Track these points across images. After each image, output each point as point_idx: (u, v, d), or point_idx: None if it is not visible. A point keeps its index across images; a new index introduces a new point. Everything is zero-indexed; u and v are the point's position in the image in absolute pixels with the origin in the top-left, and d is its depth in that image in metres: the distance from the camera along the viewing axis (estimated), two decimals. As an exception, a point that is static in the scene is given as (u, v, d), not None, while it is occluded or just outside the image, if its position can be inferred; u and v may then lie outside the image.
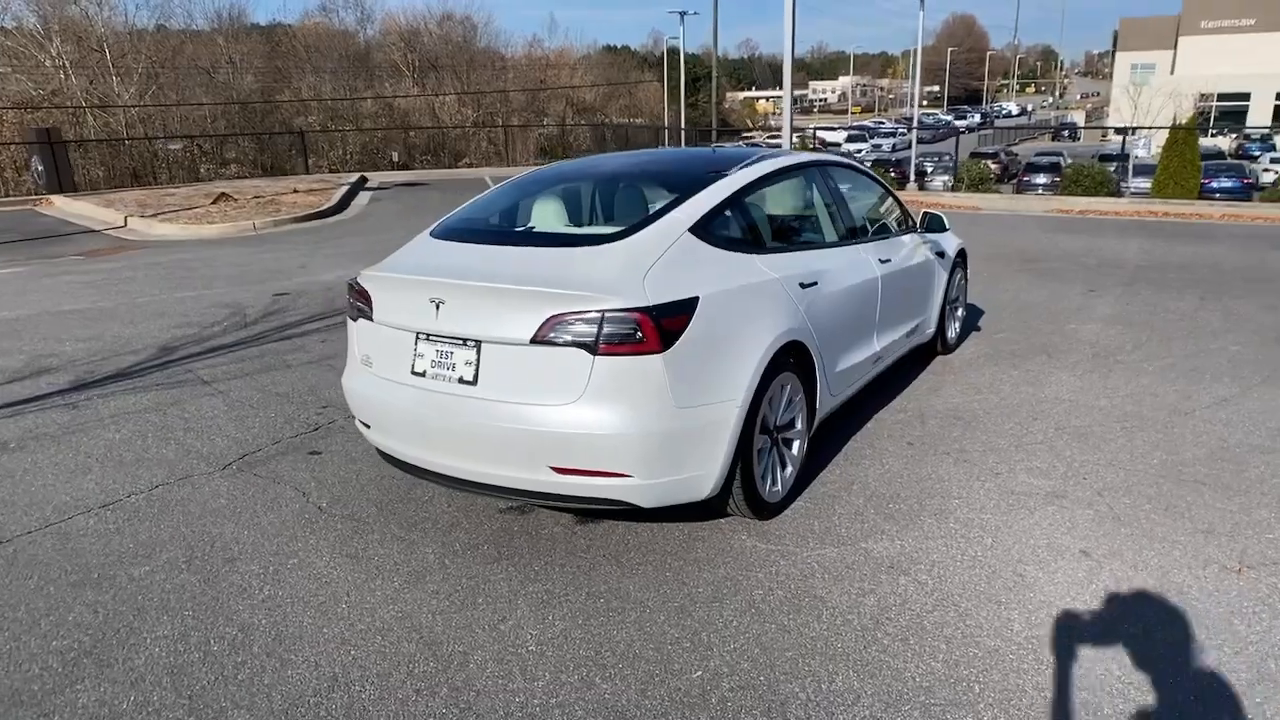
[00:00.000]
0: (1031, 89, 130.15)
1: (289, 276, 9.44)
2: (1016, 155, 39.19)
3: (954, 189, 19.28)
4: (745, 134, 52.64)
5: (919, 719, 2.31)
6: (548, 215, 3.82)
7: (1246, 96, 43.46)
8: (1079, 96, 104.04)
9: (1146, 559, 3.10)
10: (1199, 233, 12.16)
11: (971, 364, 5.64)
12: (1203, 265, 9.34)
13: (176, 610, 2.93)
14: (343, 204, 16.44)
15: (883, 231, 4.80)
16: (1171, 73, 51.23)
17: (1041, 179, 27.94)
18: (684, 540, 3.32)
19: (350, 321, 3.56)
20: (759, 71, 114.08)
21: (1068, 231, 12.50)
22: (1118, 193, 17.41)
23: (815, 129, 27.78)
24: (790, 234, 4.26)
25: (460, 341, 3.08)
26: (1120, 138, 50.21)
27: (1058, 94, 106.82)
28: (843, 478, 3.88)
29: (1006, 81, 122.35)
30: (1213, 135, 38.21)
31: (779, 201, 4.25)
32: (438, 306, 3.09)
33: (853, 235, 4.40)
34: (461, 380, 3.07)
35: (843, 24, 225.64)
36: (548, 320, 2.88)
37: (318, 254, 11.16)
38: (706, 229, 3.36)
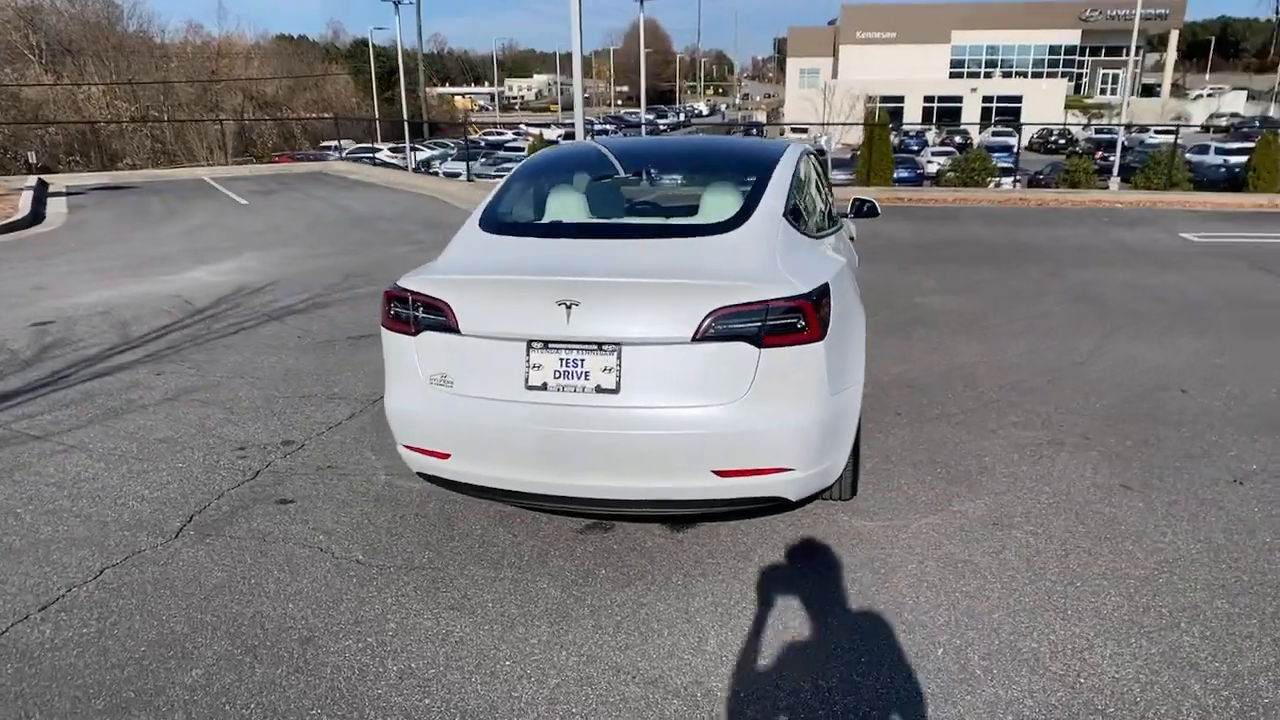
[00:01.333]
0: (711, 90, 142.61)
1: (32, 301, 7.70)
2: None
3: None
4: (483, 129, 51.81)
5: (1148, 644, 2.57)
6: (611, 205, 3.57)
7: (901, 99, 51.53)
8: (757, 97, 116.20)
9: (1174, 484, 3.70)
10: (934, 215, 14.27)
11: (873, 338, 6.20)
12: (968, 242, 11.02)
13: (302, 714, 2.35)
14: (36, 214, 13.65)
15: (838, 218, 5.10)
16: (835, 77, 59.15)
17: None
18: (797, 532, 3.32)
19: (402, 337, 3.05)
20: (452, 66, 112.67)
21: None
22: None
23: (525, 125, 28.28)
24: (814, 219, 4.38)
25: (595, 346, 2.79)
26: (804, 134, 57.24)
27: (740, 95, 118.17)
28: (869, 450, 4.10)
29: (693, 83, 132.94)
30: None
31: (804, 189, 4.36)
32: (569, 309, 2.77)
33: (832, 221, 4.64)
34: (600, 389, 2.79)
35: (534, 20, 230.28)
36: (710, 314, 2.73)
37: (49, 272, 9.20)
38: (792, 216, 3.38)
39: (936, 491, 3.66)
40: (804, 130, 60.67)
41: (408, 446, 3.13)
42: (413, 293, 2.99)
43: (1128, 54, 61.71)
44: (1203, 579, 2.94)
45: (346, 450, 4.23)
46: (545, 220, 3.51)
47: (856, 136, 34.57)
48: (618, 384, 2.77)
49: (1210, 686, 2.39)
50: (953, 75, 57.70)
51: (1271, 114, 49.86)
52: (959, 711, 2.31)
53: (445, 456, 3.01)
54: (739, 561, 3.11)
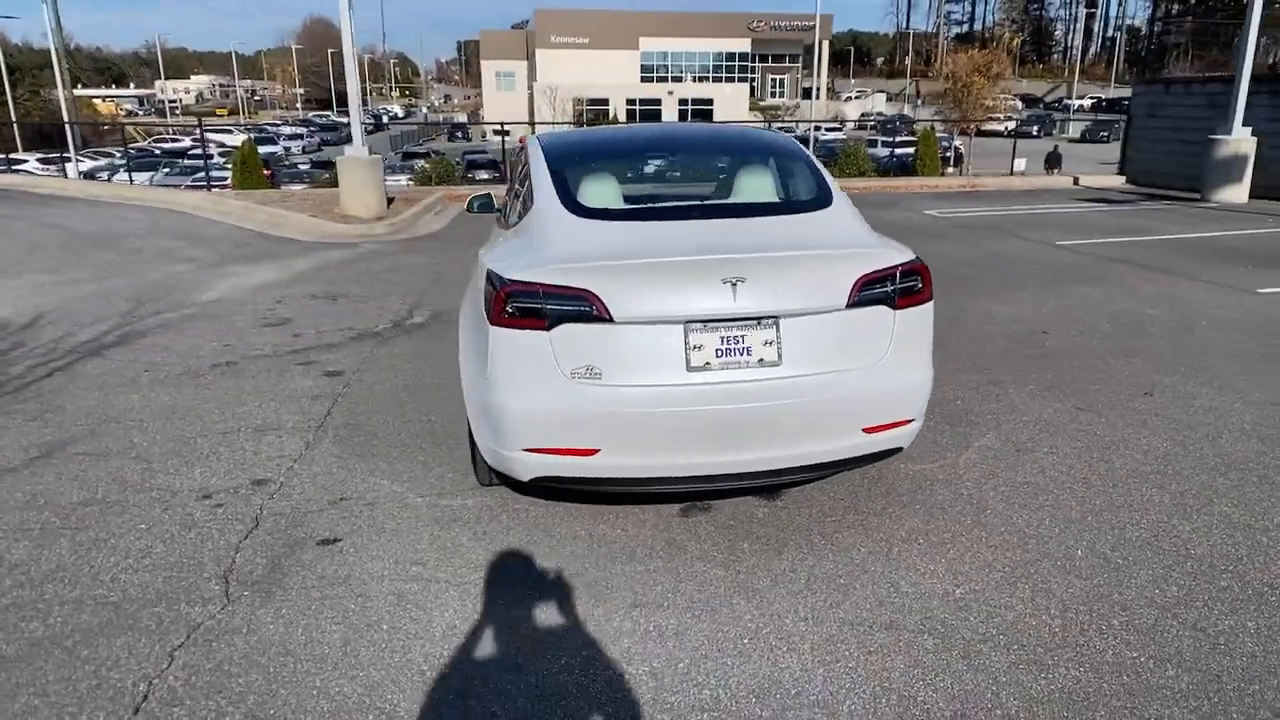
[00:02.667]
0: (398, 93, 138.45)
1: None
2: (443, 154, 42.24)
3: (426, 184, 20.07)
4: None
5: (1183, 483, 3.23)
6: (674, 187, 3.55)
7: (607, 101, 53.98)
8: (455, 99, 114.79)
9: (1109, 402, 4.55)
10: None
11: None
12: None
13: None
14: None
15: None
16: (535, 80, 60.51)
17: (484, 174, 31.43)
18: (881, 484, 3.62)
19: (528, 333, 2.85)
20: (84, 65, 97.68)
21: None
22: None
23: (202, 129, 25.60)
24: None
25: (754, 321, 2.85)
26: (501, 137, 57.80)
27: (440, 98, 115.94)
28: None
29: (379, 85, 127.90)
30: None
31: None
32: (734, 286, 2.80)
33: None
34: (763, 362, 2.86)
35: (189, 13, 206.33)
36: (858, 282, 2.92)
37: None
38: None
39: (949, 434, 4.16)
40: (506, 132, 61.67)
41: (537, 449, 2.93)
42: (545, 285, 2.82)
43: (791, 61, 70.54)
44: (1177, 451, 3.72)
45: (342, 480, 3.78)
46: (629, 204, 3.43)
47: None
48: (779, 356, 2.87)
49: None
50: (644, 79, 61.71)
51: (906, 113, 59.62)
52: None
53: (592, 453, 2.88)
54: (855, 515, 3.34)
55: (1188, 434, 4.09)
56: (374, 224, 11.64)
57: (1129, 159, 16.72)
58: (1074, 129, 49.75)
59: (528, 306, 2.84)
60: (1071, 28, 76.13)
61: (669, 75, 63.04)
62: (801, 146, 3.96)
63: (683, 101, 57.20)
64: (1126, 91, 64.59)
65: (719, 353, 2.83)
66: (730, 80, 63.54)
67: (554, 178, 3.43)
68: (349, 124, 11.95)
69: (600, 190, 3.42)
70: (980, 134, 31.30)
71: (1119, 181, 16.54)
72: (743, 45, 64.75)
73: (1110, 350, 5.53)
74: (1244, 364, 5.21)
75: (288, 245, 10.69)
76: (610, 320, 2.79)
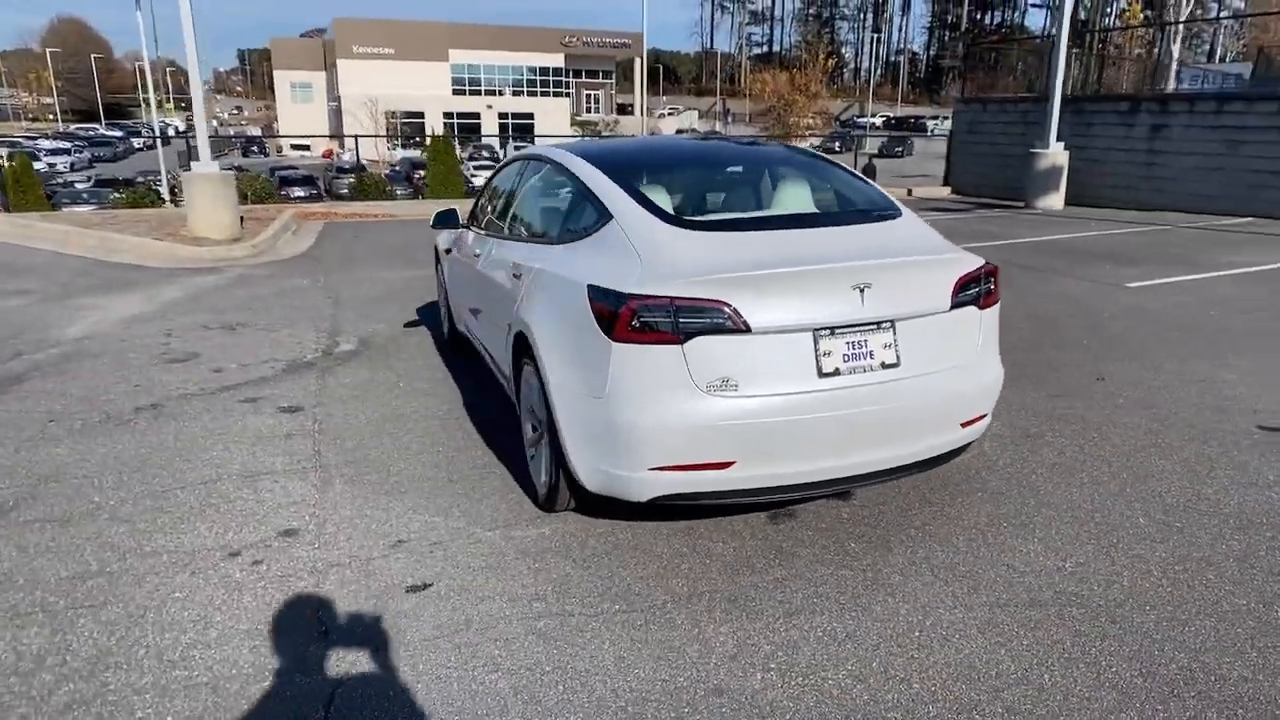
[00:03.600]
0: (171, 104, 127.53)
1: None
2: (246, 170, 39.74)
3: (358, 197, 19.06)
4: None
5: (1194, 433, 3.70)
6: (746, 198, 3.57)
7: (422, 114, 52.62)
8: (236, 111, 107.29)
9: (1072, 386, 5.07)
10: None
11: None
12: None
13: None
14: None
15: None
16: (337, 92, 58.02)
17: (300, 191, 29.99)
18: (951, 486, 3.84)
19: (659, 348, 2.80)
20: None
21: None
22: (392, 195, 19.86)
23: None
24: None
25: (875, 325, 2.96)
26: (306, 149, 54.81)
27: (230, 110, 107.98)
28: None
29: (147, 95, 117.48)
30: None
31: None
32: (862, 292, 2.90)
33: None
34: (884, 365, 2.98)
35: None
36: (956, 284, 3.11)
37: None
38: None
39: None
40: (305, 147, 58.37)
41: (666, 467, 2.88)
42: (679, 297, 2.79)
43: (604, 77, 72.02)
44: (1158, 427, 4.25)
45: (384, 521, 3.51)
46: (716, 214, 3.43)
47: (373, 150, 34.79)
48: (898, 357, 3.00)
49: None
50: (456, 92, 60.82)
51: (718, 129, 62.70)
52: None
53: (727, 466, 2.88)
54: (930, 506, 3.54)
55: (1155, 411, 4.66)
56: (231, 246, 10.73)
57: (953, 171, 18.58)
58: (871, 144, 54.42)
59: (659, 320, 2.79)
60: (859, 51, 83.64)
61: (482, 88, 62.47)
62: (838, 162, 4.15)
63: (502, 115, 56.95)
64: (913, 110, 71.73)
65: (845, 358, 2.93)
66: (546, 94, 63.95)
67: (626, 190, 3.38)
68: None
69: (679, 201, 3.41)
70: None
71: (946, 192, 18.32)
72: (556, 60, 65.41)
73: (1043, 343, 6.15)
74: (1163, 347, 5.98)
75: (140, 272, 9.62)
76: (748, 331, 2.80)
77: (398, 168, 34.94)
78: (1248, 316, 6.91)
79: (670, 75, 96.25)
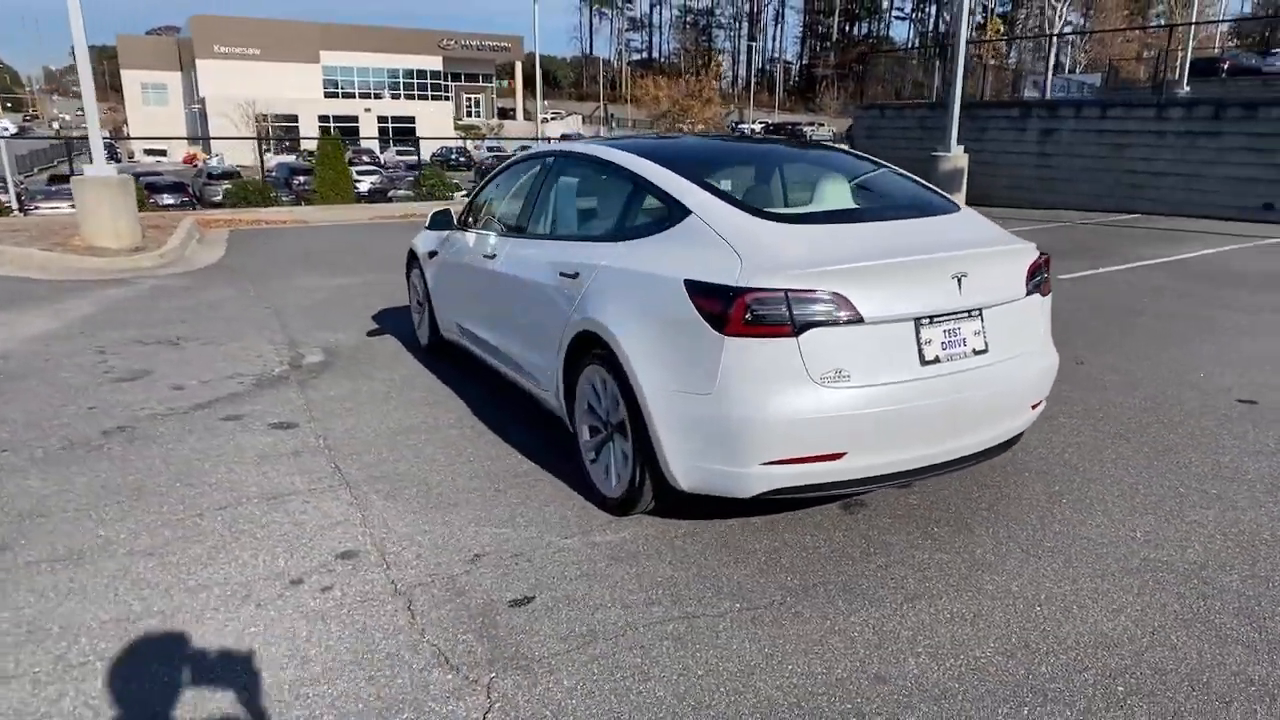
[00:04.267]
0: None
1: None
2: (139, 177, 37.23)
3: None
4: None
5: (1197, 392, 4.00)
6: (828, 195, 3.57)
7: (296, 118, 50.33)
8: (78, 113, 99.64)
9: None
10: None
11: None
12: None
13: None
14: None
15: None
16: (198, 94, 54.84)
17: (169, 199, 28.27)
18: (999, 469, 3.98)
19: (774, 340, 2.78)
20: None
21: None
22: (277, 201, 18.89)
23: None
24: None
25: (966, 313, 3.05)
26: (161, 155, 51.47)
27: (74, 112, 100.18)
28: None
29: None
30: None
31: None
32: (959, 281, 2.97)
33: None
34: (975, 351, 3.07)
35: None
36: (1028, 272, 3.25)
37: None
38: None
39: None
40: (162, 152, 54.61)
41: (779, 461, 2.87)
42: (793, 290, 2.78)
43: (485, 81, 70.99)
44: (1150, 406, 4.57)
45: (449, 536, 3.34)
46: (794, 209, 3.40)
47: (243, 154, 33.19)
48: (986, 344, 3.10)
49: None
50: (329, 95, 58.58)
51: (602, 132, 62.95)
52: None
53: (838, 457, 2.89)
54: (989, 489, 3.67)
55: (1143, 392, 4.99)
56: (135, 256, 9.93)
57: None
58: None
59: (774, 313, 2.78)
60: (736, 59, 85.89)
61: (356, 91, 60.40)
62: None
63: (382, 119, 55.21)
64: (790, 117, 74.22)
65: (943, 345, 3.00)
66: (424, 98, 62.50)
67: (698, 184, 3.34)
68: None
69: (747, 196, 3.39)
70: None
71: None
72: (434, 63, 64.03)
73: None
74: (1122, 334, 6.41)
75: (35, 286, 8.76)
76: (860, 321, 2.83)
77: (273, 173, 33.28)
78: (1181, 301, 7.53)
79: (550, 80, 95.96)
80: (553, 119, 71.88)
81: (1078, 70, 35.57)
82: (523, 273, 4.09)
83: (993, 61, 29.86)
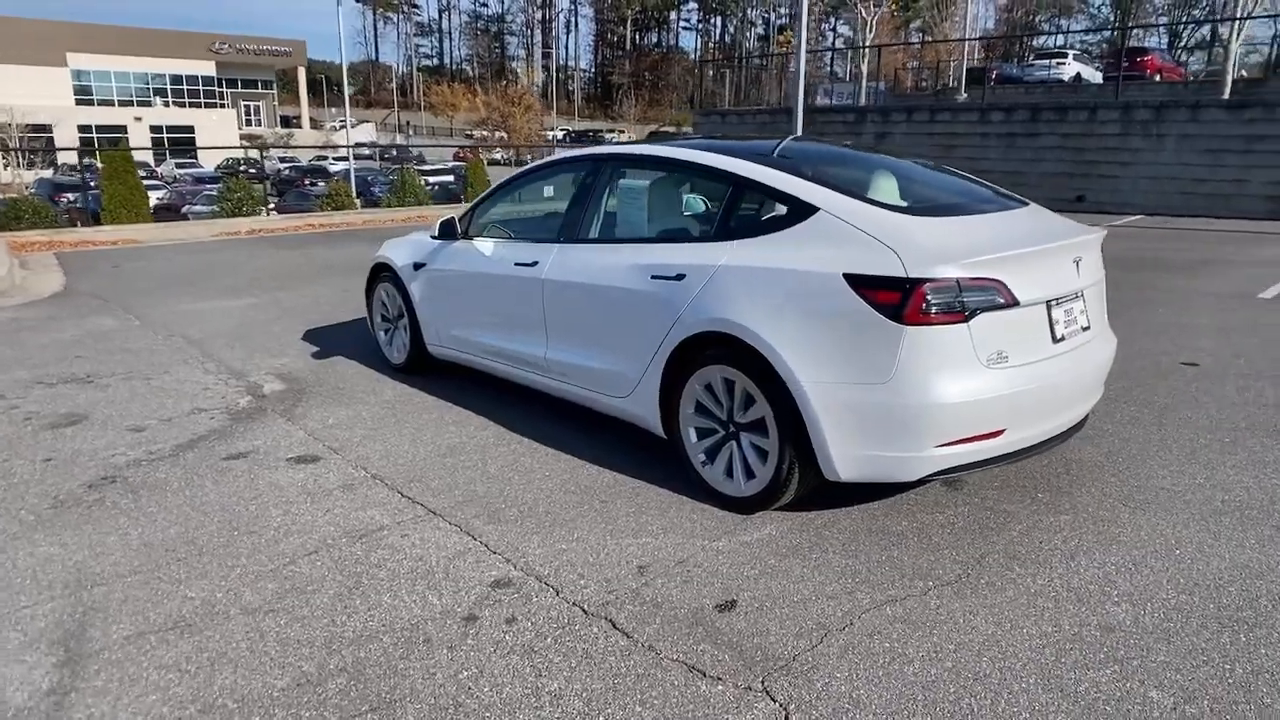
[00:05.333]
0: None
1: None
2: None
3: None
4: None
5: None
6: (915, 189, 3.70)
7: (49, 127, 44.41)
8: None
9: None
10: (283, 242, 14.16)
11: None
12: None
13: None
14: None
15: None
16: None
17: None
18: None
19: (949, 327, 2.95)
20: None
21: (268, 247, 12.58)
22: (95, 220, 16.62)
23: None
24: None
25: (1076, 294, 3.36)
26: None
27: None
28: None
29: None
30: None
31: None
32: (1078, 264, 3.27)
33: None
34: (1084, 329, 3.39)
35: None
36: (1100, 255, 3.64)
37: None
38: None
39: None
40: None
41: (950, 443, 3.03)
42: (964, 278, 2.95)
43: (264, 87, 66.14)
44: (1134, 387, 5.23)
45: (591, 553, 3.23)
46: (904, 201, 3.49)
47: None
48: (1089, 321, 3.44)
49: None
50: (81, 101, 52.34)
51: (399, 141, 60.68)
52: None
53: (999, 434, 3.10)
54: (1061, 452, 4.04)
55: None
56: (-46, 287, 8.49)
57: None
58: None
59: (949, 301, 2.95)
60: (530, 66, 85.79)
61: (115, 98, 54.35)
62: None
63: (155, 129, 50.00)
64: (590, 124, 75.36)
65: (1065, 324, 3.30)
66: (198, 105, 57.39)
67: (818, 181, 3.43)
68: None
69: (877, 192, 3.48)
70: (493, 164, 33.66)
71: None
72: (206, 68, 58.94)
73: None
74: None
75: None
76: (1016, 305, 3.06)
77: (32, 190, 29.24)
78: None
79: (334, 86, 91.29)
80: (339, 126, 68.29)
81: (862, 79, 38.85)
82: (590, 279, 3.99)
83: (774, 70, 31.98)
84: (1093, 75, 27.93)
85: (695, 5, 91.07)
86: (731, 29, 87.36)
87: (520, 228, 4.88)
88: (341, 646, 2.66)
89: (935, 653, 2.56)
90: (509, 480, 3.91)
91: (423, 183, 23.92)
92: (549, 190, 4.61)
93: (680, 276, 3.57)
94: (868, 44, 26.58)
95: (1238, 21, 17.63)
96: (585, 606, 2.85)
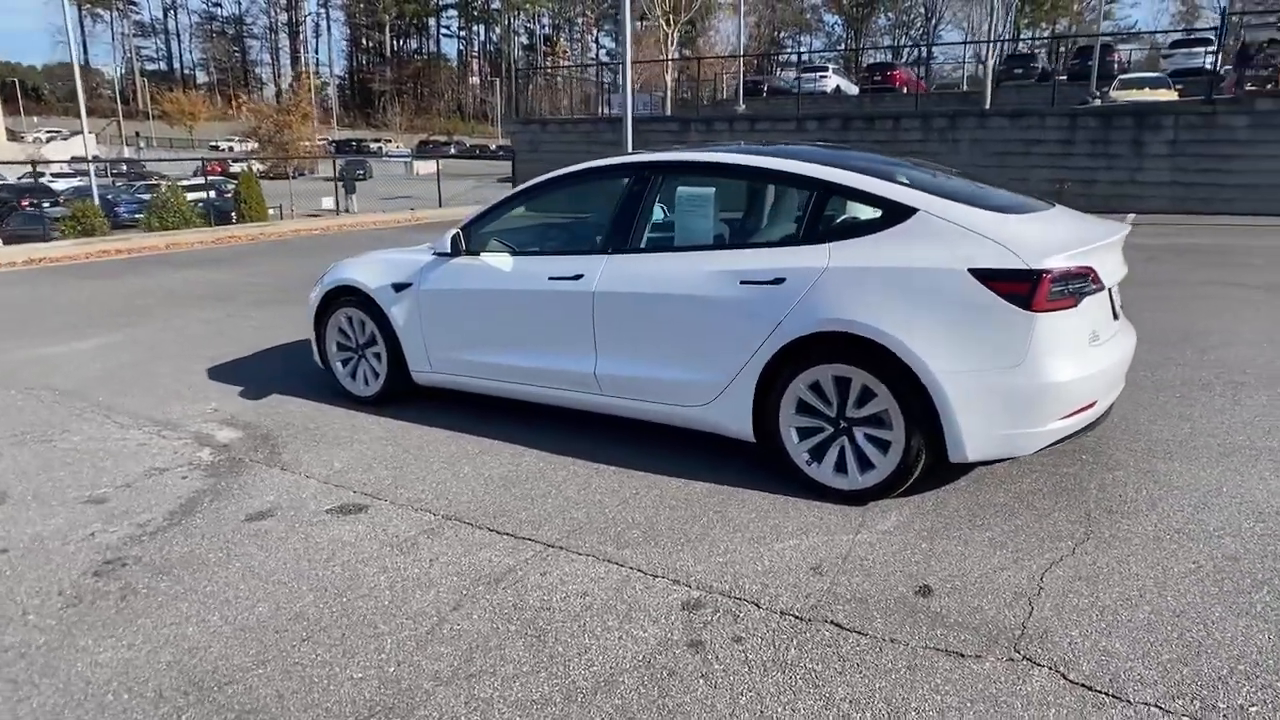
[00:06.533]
0: None
1: None
2: None
3: None
4: None
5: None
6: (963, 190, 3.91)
7: None
8: None
9: None
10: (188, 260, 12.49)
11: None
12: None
13: None
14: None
15: None
16: None
17: None
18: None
19: (1065, 312, 3.28)
20: None
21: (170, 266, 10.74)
22: None
23: None
24: None
25: (1119, 283, 3.82)
26: None
27: None
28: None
29: None
30: None
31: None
32: (1122, 256, 3.72)
33: None
34: (1115, 315, 3.84)
35: None
36: None
37: None
38: None
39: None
40: None
41: (1067, 415, 3.36)
42: (1073, 268, 3.28)
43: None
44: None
45: (760, 561, 3.23)
46: (992, 201, 3.70)
47: None
48: (1121, 307, 3.93)
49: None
50: None
51: (129, 154, 54.12)
52: None
53: (1091, 406, 3.48)
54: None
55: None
56: None
57: None
58: (324, 168, 52.84)
59: (1067, 288, 3.27)
60: (277, 71, 79.69)
61: None
62: None
63: None
64: (351, 133, 71.25)
65: (1114, 306, 3.76)
66: None
67: (911, 184, 3.63)
68: None
69: (952, 194, 3.71)
70: (264, 177, 30.96)
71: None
72: None
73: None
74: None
75: None
76: (1103, 289, 3.45)
77: None
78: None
79: (30, 93, 79.54)
80: (47, 138, 59.68)
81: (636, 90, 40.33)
82: (658, 289, 3.92)
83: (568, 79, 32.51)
84: (849, 88, 30.98)
85: (455, 12, 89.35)
86: (495, 37, 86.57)
87: (545, 241, 4.68)
88: (586, 696, 2.47)
89: (1127, 599, 2.84)
90: (601, 504, 3.76)
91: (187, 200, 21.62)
92: (595, 201, 4.46)
93: (779, 280, 3.62)
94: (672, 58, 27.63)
95: (995, 44, 20.33)
96: (796, 614, 2.85)
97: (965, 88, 32.43)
